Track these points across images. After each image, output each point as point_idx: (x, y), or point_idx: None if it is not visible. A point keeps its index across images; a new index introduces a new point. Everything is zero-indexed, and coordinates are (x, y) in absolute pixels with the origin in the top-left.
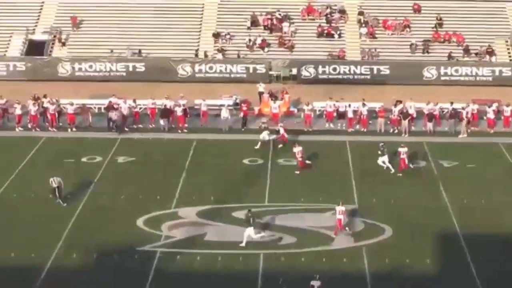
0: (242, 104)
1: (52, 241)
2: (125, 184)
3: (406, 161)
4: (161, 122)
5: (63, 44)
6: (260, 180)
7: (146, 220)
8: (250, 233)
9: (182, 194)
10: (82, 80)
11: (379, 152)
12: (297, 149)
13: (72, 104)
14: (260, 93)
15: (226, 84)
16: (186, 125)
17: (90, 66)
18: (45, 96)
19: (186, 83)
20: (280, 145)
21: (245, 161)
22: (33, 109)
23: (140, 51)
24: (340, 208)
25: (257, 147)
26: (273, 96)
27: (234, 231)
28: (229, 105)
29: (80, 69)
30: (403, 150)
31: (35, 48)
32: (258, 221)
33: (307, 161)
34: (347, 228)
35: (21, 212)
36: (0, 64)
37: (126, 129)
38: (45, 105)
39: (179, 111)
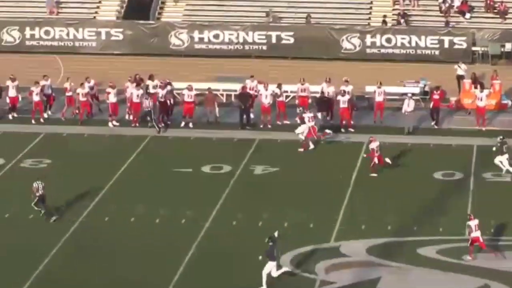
0: (434, 93)
1: (159, 284)
2: (264, 205)
3: None
4: (319, 115)
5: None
6: (458, 202)
7: (294, 257)
8: (270, 268)
9: (346, 221)
10: (204, 55)
11: (494, 149)
12: (374, 145)
13: (190, 89)
14: (460, 77)
15: (411, 64)
16: (352, 122)
17: (216, 36)
18: (151, 78)
19: (352, 61)
20: (300, 149)
21: (437, 174)
22: (135, 94)
23: (309, 16)
24: (474, 223)
25: (312, 147)
26: (478, 83)
27: (421, 275)
28: (414, 94)
29: (201, 40)
30: None
31: (137, 9)
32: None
33: (387, 159)
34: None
35: (114, 242)
36: (88, 31)
37: (269, 126)
38: (152, 90)
39: (342, 102)
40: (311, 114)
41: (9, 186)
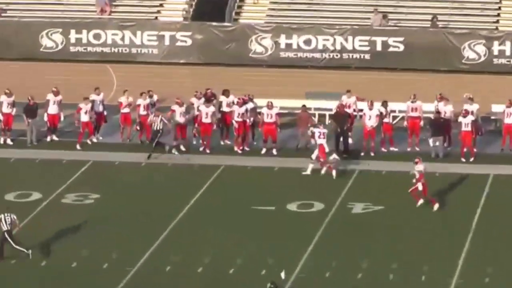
0: None
1: None
2: (363, 252)
3: None
4: (431, 142)
5: None
6: None
7: None
8: None
9: (467, 273)
10: (290, 66)
11: None
12: (419, 168)
13: (270, 107)
14: None
15: None
16: (475, 149)
17: (307, 42)
18: (225, 93)
19: (475, 74)
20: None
21: None
22: (204, 112)
23: (435, 18)
24: None
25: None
26: None
27: None
28: None
29: (288, 46)
30: None
31: (209, 8)
32: None
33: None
34: None
35: None
36: (148, 34)
37: (372, 153)
38: (224, 108)
39: (464, 124)
40: (324, 130)
41: (47, 226)
